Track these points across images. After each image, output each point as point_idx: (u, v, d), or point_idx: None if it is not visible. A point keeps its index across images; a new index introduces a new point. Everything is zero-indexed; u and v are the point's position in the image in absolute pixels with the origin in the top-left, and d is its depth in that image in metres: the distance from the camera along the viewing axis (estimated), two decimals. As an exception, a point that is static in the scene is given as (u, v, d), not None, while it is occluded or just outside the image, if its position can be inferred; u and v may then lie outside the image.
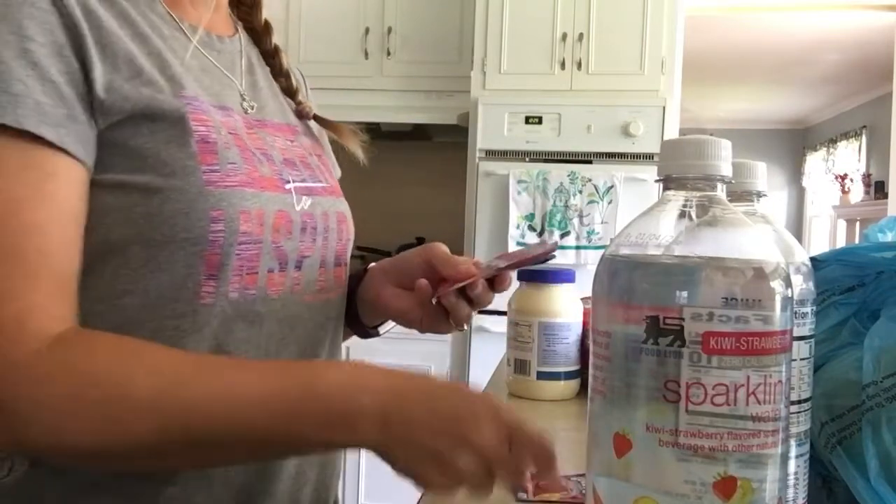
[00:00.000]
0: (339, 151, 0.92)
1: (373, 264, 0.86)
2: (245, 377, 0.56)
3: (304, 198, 0.73)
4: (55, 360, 0.54)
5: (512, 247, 2.66)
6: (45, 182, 0.57)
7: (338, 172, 0.93)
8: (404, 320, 0.81)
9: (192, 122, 0.64)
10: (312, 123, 0.88)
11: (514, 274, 0.82)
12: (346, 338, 0.87)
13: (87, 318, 0.61)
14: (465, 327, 0.78)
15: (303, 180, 0.75)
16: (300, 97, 0.86)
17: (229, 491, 0.67)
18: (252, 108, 0.76)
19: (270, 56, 0.85)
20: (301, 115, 0.84)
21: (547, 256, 0.78)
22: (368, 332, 0.88)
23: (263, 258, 0.68)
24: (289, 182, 0.72)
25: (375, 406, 0.55)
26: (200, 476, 0.66)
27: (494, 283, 0.74)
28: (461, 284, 0.73)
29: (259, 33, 0.85)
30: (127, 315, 0.62)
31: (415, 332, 0.82)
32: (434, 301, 0.75)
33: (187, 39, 0.72)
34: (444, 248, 0.77)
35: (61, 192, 0.58)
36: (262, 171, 0.69)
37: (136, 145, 0.62)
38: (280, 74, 0.85)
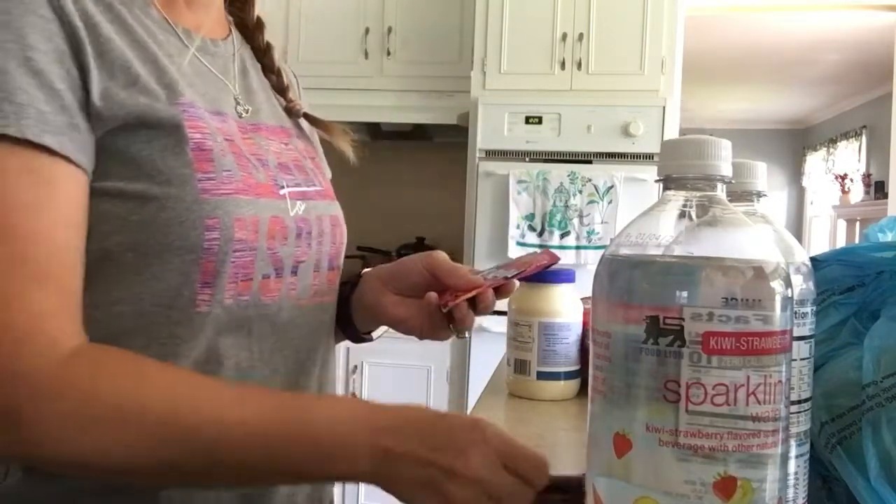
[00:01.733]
0: (333, 151, 0.92)
1: (367, 270, 0.86)
2: (246, 408, 0.57)
3: (298, 203, 0.73)
4: (69, 375, 0.54)
5: (512, 247, 2.66)
6: (47, 189, 0.57)
7: (328, 173, 0.93)
8: (404, 327, 0.80)
9: (189, 130, 0.64)
10: (304, 123, 0.87)
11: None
12: (337, 341, 0.87)
13: (84, 324, 0.60)
14: (468, 335, 0.78)
15: (297, 185, 0.74)
16: (291, 95, 0.85)
17: (230, 494, 0.68)
18: (247, 112, 0.75)
19: (262, 53, 0.84)
20: (291, 112, 0.84)
21: (551, 265, 0.78)
22: (362, 337, 0.87)
23: (258, 265, 0.67)
24: (283, 187, 0.72)
25: (369, 442, 0.56)
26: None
27: (500, 290, 0.75)
28: (471, 295, 0.73)
29: (251, 30, 0.85)
30: (123, 322, 0.62)
31: (415, 331, 0.81)
32: (444, 310, 0.74)
33: (181, 44, 0.71)
34: (445, 257, 0.77)
35: (63, 199, 0.58)
36: (258, 178, 0.69)
37: (132, 153, 0.62)
38: (271, 71, 0.84)
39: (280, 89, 0.85)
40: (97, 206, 0.61)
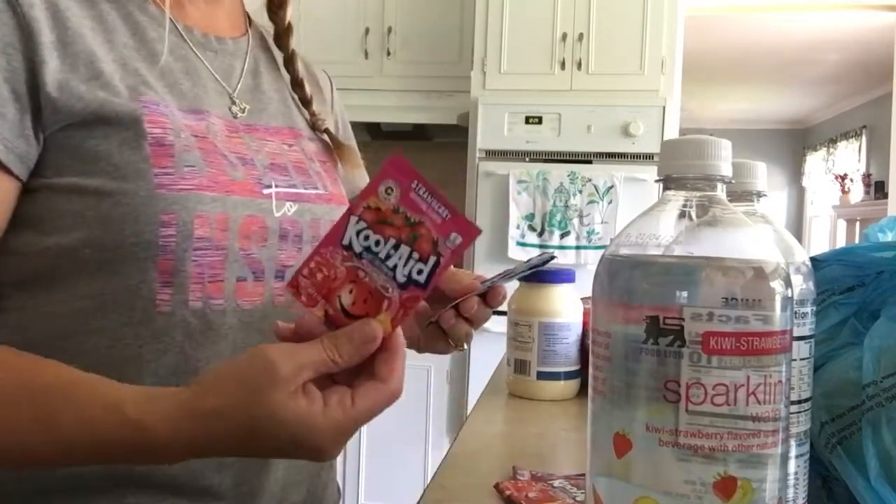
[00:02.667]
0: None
1: None
2: (70, 434, 0.52)
3: (287, 204, 0.71)
4: None
5: (512, 247, 2.66)
6: None
7: (363, 180, 0.91)
8: None
9: (147, 125, 0.63)
10: (337, 129, 0.86)
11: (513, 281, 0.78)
12: None
13: (50, 319, 0.61)
14: (465, 347, 0.73)
15: (291, 186, 0.72)
16: (315, 108, 0.83)
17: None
18: (243, 112, 0.74)
19: (287, 62, 0.83)
20: (314, 127, 0.83)
21: (543, 262, 0.75)
22: None
23: (230, 266, 0.65)
24: (270, 187, 0.70)
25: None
26: (177, 493, 0.64)
27: (488, 298, 0.70)
28: (455, 302, 0.69)
29: (280, 36, 0.83)
30: (86, 320, 0.61)
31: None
32: (433, 320, 0.71)
33: (179, 40, 0.71)
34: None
35: None
36: (232, 175, 0.67)
37: (89, 148, 0.61)
38: (295, 84, 0.83)
39: (304, 103, 0.83)
40: (55, 203, 0.61)
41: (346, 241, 0.51)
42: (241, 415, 0.49)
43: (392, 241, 0.51)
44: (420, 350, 0.77)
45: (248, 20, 0.84)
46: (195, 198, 0.63)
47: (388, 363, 0.51)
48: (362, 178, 0.90)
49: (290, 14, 0.83)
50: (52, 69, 0.60)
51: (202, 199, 0.64)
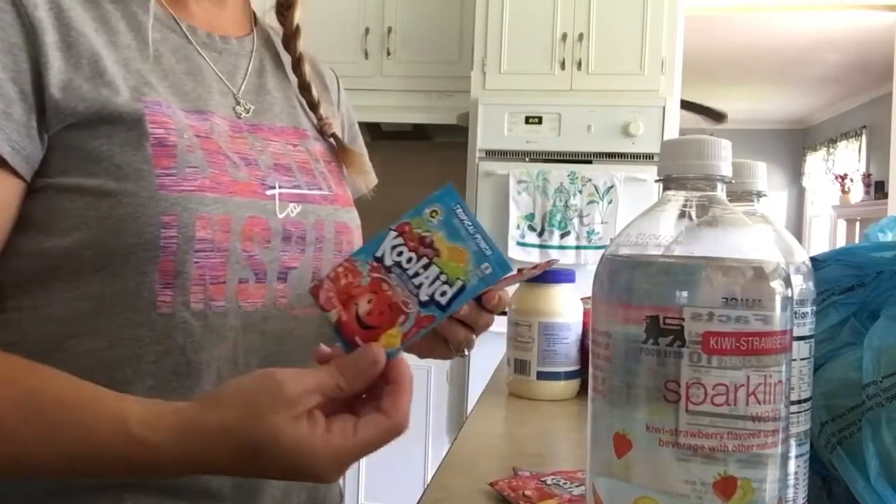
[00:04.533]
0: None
1: None
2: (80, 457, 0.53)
3: (291, 205, 0.70)
4: None
5: (512, 247, 2.66)
6: None
7: (373, 180, 0.90)
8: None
9: (150, 125, 0.63)
10: (343, 127, 0.85)
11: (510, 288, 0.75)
12: None
13: (48, 320, 0.60)
14: (467, 353, 0.72)
15: (295, 186, 0.72)
16: (322, 111, 0.83)
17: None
18: (247, 112, 0.74)
19: (295, 65, 0.82)
20: (321, 132, 0.82)
21: (547, 269, 0.72)
22: None
23: (231, 267, 0.65)
24: (273, 188, 0.69)
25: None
26: (175, 495, 0.64)
27: (482, 301, 0.67)
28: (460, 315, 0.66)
29: (288, 38, 0.83)
30: (84, 321, 0.61)
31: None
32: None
33: (183, 41, 0.71)
34: None
35: None
36: (235, 176, 0.67)
37: (91, 148, 0.61)
38: (302, 87, 0.82)
39: (311, 107, 0.82)
40: (57, 203, 0.61)
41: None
42: (245, 434, 0.49)
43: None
44: (421, 356, 0.75)
45: (255, 19, 0.83)
46: (197, 199, 0.63)
47: (393, 397, 0.52)
48: (370, 182, 0.90)
49: (298, 16, 0.83)
50: (56, 69, 0.60)
51: (204, 200, 0.63)
